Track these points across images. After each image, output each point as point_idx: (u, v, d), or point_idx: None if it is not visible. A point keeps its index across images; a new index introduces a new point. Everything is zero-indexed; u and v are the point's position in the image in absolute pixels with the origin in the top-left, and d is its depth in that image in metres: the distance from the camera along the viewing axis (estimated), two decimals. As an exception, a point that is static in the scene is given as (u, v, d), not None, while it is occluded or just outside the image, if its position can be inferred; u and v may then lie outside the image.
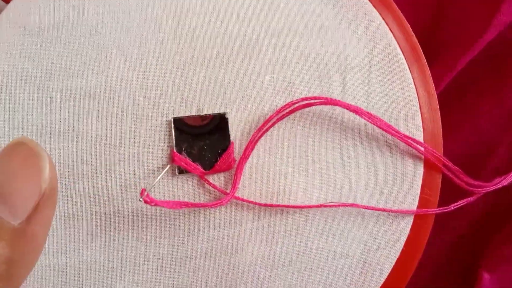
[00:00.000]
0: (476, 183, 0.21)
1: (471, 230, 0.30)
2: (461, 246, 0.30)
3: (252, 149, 0.21)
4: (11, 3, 0.21)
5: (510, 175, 0.21)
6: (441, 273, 0.30)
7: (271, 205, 0.21)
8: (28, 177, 0.17)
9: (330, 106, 0.21)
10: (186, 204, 0.20)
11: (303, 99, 0.21)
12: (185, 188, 0.21)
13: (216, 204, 0.20)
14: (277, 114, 0.21)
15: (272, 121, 0.21)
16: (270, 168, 0.21)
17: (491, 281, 0.27)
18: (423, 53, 0.23)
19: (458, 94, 0.30)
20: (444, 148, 0.29)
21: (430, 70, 0.23)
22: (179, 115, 0.21)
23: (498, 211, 0.29)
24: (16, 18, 0.20)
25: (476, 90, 0.30)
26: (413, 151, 0.22)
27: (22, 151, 0.18)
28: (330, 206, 0.21)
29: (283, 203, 0.21)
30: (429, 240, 0.25)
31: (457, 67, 0.28)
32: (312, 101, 0.21)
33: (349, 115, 0.22)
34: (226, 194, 0.20)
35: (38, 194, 0.17)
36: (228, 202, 0.20)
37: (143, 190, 0.19)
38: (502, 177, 0.21)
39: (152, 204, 0.19)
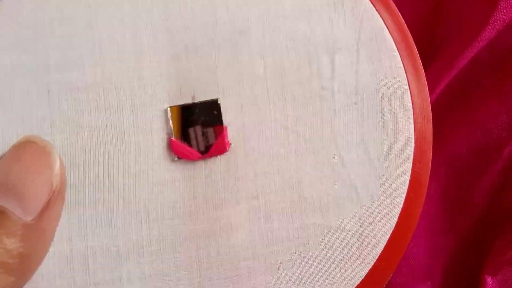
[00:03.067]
0: None
1: (474, 233, 0.30)
2: (464, 249, 0.30)
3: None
4: None
5: None
6: (443, 276, 0.30)
7: None
8: (39, 175, 0.18)
9: (321, 87, 0.22)
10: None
11: None
12: (184, 172, 0.21)
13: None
14: None
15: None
16: (263, 150, 0.22)
17: (493, 285, 0.27)
18: (422, 48, 0.23)
19: (464, 95, 0.30)
20: (450, 149, 0.30)
21: (429, 66, 0.23)
22: (175, 104, 0.21)
23: (501, 214, 0.29)
24: (10, 12, 0.20)
25: (483, 91, 0.30)
26: (403, 126, 0.22)
27: (32, 149, 0.18)
28: None
29: (279, 183, 0.22)
30: (431, 243, 0.25)
31: (457, 64, 0.28)
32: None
33: (339, 96, 0.22)
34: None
35: (49, 191, 0.18)
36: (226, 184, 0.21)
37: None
38: None
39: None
